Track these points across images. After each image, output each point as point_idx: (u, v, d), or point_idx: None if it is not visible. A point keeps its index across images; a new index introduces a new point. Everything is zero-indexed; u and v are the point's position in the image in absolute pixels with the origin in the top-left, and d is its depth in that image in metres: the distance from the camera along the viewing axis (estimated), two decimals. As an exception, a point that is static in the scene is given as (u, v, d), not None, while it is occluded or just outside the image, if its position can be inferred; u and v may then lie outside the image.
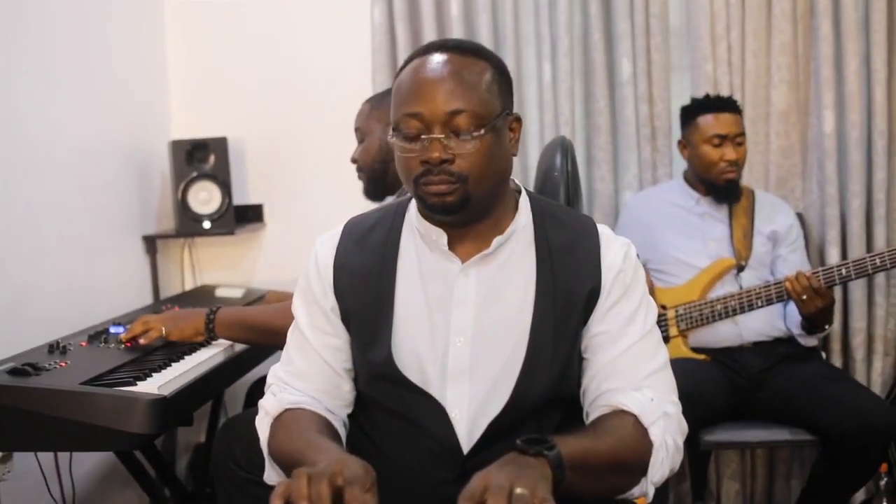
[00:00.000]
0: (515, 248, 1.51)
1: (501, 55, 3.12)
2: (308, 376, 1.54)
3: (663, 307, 2.86)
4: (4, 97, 2.46)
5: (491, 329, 1.46)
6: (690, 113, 2.92)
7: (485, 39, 3.16)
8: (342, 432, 1.52)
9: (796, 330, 2.78)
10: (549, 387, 1.45)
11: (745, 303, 2.74)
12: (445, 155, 1.40)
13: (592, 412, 1.47)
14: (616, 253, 1.50)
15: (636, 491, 1.41)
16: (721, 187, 2.88)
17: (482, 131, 1.40)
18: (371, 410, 1.53)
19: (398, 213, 1.58)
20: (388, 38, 3.24)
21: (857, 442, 2.47)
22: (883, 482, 3.01)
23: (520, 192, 1.55)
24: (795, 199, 3.17)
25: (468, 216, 1.46)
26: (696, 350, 2.82)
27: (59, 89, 2.73)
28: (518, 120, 1.51)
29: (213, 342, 2.34)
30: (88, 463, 2.73)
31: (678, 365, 2.69)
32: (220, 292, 3.14)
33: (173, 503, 2.60)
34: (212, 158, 3.21)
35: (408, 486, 1.32)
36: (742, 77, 3.14)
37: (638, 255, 1.57)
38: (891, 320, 3.11)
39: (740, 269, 2.85)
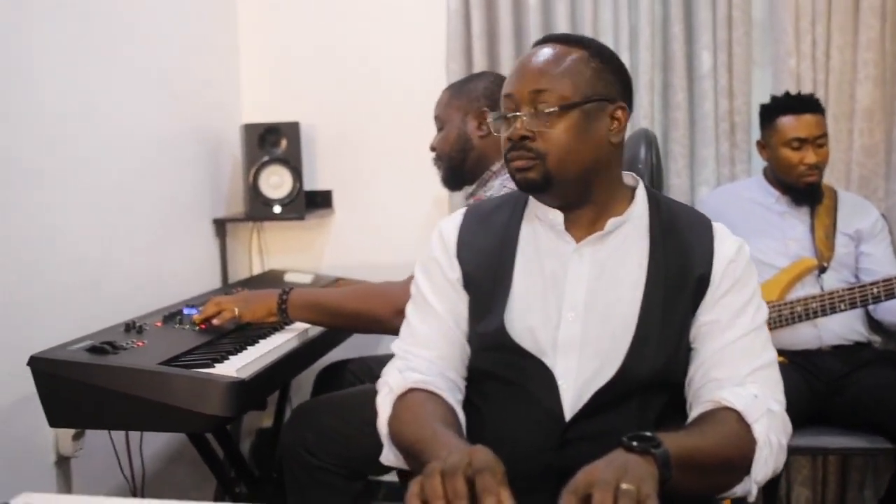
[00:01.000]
0: (630, 233, 1.54)
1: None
2: (432, 341, 1.59)
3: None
4: (80, 82, 2.48)
5: (602, 307, 1.50)
6: (770, 113, 2.84)
7: (562, 27, 3.11)
8: (462, 418, 1.52)
9: None
10: (656, 367, 1.47)
11: (828, 305, 2.66)
12: (525, 132, 1.49)
13: (696, 405, 1.47)
14: (729, 247, 1.53)
15: (739, 489, 1.40)
16: (801, 190, 2.81)
17: (560, 109, 1.48)
18: (480, 382, 1.57)
19: (520, 199, 1.64)
20: (464, 25, 3.20)
21: (942, 453, 2.40)
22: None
23: (637, 185, 1.60)
24: (878, 200, 3.08)
25: (562, 196, 1.53)
26: (773, 351, 2.75)
27: (133, 73, 2.74)
28: (623, 109, 1.53)
29: (286, 327, 2.33)
30: (158, 443, 2.75)
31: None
32: (288, 277, 3.13)
33: (240, 486, 2.60)
34: (284, 143, 3.20)
35: (509, 451, 1.31)
36: (826, 73, 3.05)
37: None
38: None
39: (822, 270, 2.77)
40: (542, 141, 1.49)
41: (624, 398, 1.46)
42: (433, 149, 2.52)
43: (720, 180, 3.13)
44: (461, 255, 1.61)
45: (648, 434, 1.23)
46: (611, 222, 1.53)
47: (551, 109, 1.48)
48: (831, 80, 3.05)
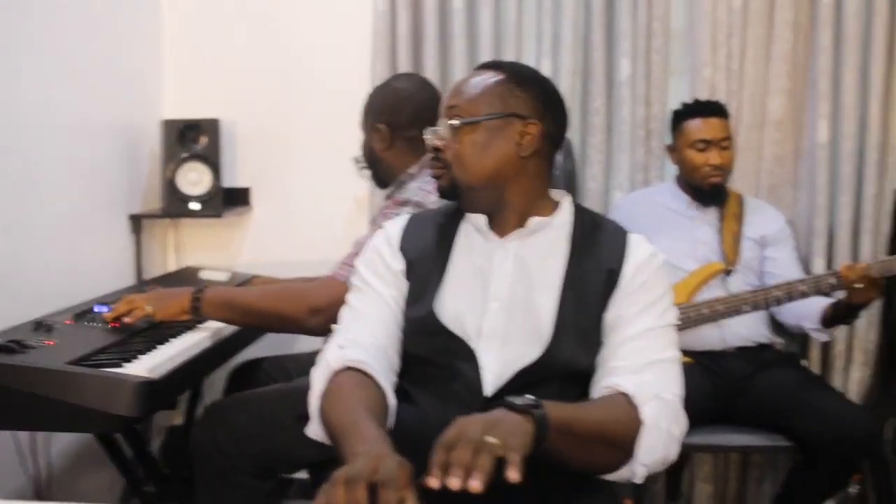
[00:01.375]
0: (553, 237, 1.68)
1: (502, 49, 3.16)
2: (373, 320, 1.68)
3: (650, 310, 2.86)
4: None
5: (524, 299, 1.62)
6: (678, 118, 2.93)
7: (486, 33, 3.15)
8: (392, 402, 1.58)
9: (812, 325, 2.76)
10: (574, 358, 1.59)
11: (732, 307, 2.74)
12: (438, 143, 1.67)
13: (594, 394, 1.57)
14: (643, 252, 1.66)
15: (625, 472, 1.48)
16: (706, 191, 2.90)
17: (463, 123, 1.64)
18: (410, 366, 1.67)
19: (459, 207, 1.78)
20: (390, 26, 3.21)
21: (835, 451, 2.49)
22: (855, 490, 3.06)
23: (564, 197, 1.75)
24: (785, 208, 3.18)
25: (474, 202, 1.68)
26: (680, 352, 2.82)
27: (52, 65, 2.69)
28: (535, 125, 1.65)
29: (199, 325, 2.32)
30: (64, 442, 2.70)
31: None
32: (203, 275, 3.11)
33: (149, 485, 2.57)
34: (203, 140, 3.18)
35: (433, 426, 1.40)
36: (740, 84, 3.14)
37: None
38: (871, 331, 3.13)
39: (728, 273, 2.86)
40: (450, 152, 1.66)
41: (543, 382, 1.57)
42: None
43: (634, 185, 3.20)
44: (404, 248, 1.73)
45: (533, 398, 1.33)
46: (532, 221, 1.66)
47: (456, 123, 1.65)
48: (745, 91, 3.14)
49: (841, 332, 3.10)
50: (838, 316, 2.66)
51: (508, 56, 3.16)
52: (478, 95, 1.66)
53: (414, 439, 1.48)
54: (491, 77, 1.67)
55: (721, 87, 3.12)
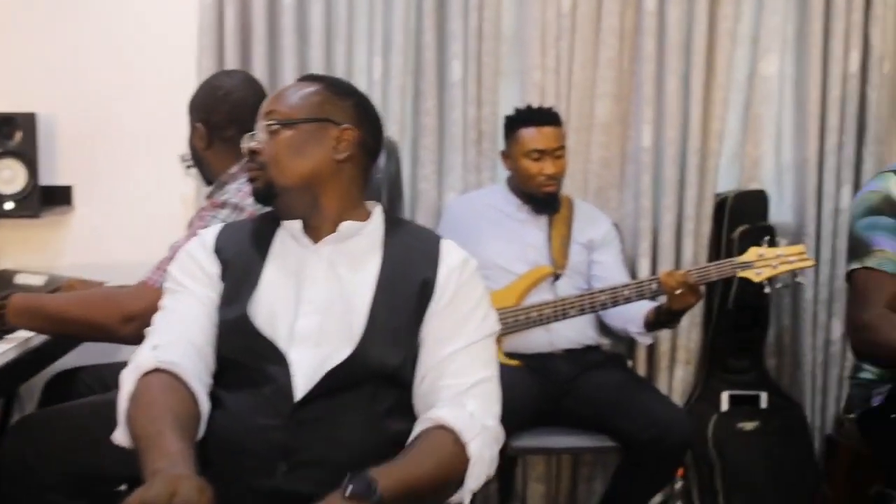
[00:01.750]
0: (365, 244, 1.70)
1: (332, 47, 3.11)
2: (188, 320, 1.65)
3: (480, 311, 2.88)
4: None
5: (336, 303, 1.63)
6: (512, 124, 2.93)
7: (316, 30, 3.09)
8: (205, 406, 1.55)
9: (636, 329, 2.81)
10: (385, 361, 1.60)
11: (559, 311, 2.79)
12: (255, 146, 1.69)
13: (418, 424, 1.57)
14: (455, 258, 1.68)
15: (454, 499, 1.54)
16: (540, 199, 2.92)
17: (278, 125, 1.67)
18: (223, 369, 1.64)
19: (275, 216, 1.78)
20: (217, 21, 3.11)
21: (656, 450, 2.56)
22: (678, 486, 3.17)
23: (375, 206, 1.78)
24: (611, 210, 3.25)
25: (289, 205, 1.69)
26: (509, 356, 2.85)
27: None
28: (350, 131, 1.69)
29: (6, 335, 2.20)
30: None
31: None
32: (19, 279, 2.94)
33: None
34: (18, 135, 3.02)
35: (238, 430, 1.47)
36: (569, 88, 3.19)
37: None
38: (693, 331, 3.24)
39: (556, 277, 2.90)
40: (265, 154, 1.68)
41: (354, 385, 1.58)
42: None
43: (467, 187, 3.21)
44: (219, 251, 1.71)
45: (368, 475, 1.36)
46: (344, 225, 1.68)
47: (274, 125, 1.67)
48: (573, 94, 3.20)
49: (665, 332, 3.18)
50: (660, 320, 2.73)
51: (339, 55, 3.12)
52: (296, 101, 1.69)
53: (223, 445, 1.55)
54: (309, 87, 1.72)
55: (550, 91, 3.16)
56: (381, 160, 2.32)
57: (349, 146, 1.69)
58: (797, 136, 3.27)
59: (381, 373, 1.60)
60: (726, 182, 3.34)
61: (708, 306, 3.25)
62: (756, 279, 2.58)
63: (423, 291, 1.64)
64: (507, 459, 2.88)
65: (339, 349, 1.59)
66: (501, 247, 2.95)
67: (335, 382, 1.57)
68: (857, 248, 2.15)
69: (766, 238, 2.61)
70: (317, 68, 3.09)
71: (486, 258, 2.92)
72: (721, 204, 3.23)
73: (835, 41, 3.15)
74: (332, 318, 1.62)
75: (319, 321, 1.62)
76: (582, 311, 2.77)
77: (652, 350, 3.25)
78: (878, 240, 2.11)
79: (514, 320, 2.83)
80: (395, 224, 1.77)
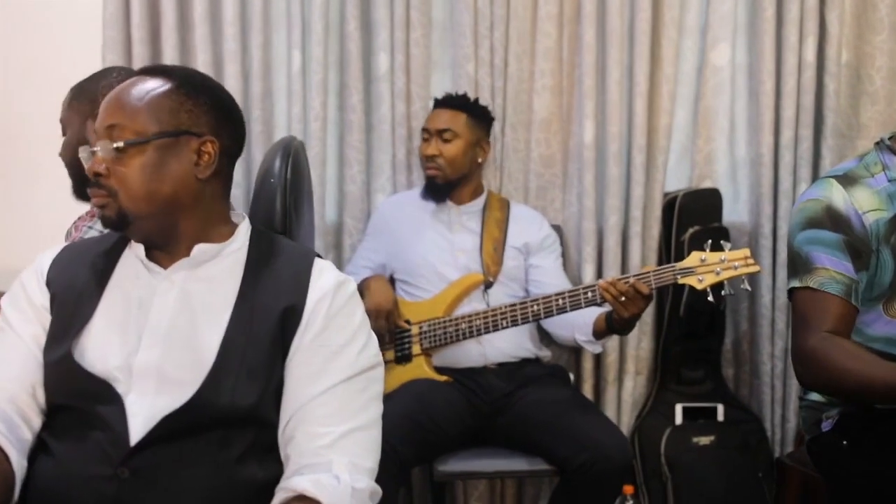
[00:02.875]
0: (225, 266, 1.48)
1: (247, 39, 2.87)
2: (7, 365, 1.45)
3: (408, 322, 2.66)
4: None
5: (185, 335, 1.42)
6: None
7: (230, 20, 2.85)
8: (17, 468, 1.37)
9: (584, 337, 2.61)
10: (236, 402, 1.38)
11: (490, 322, 2.56)
12: (100, 169, 1.42)
13: (277, 493, 1.36)
14: (327, 280, 1.46)
15: None
16: (427, 184, 2.77)
17: (129, 145, 1.40)
18: (52, 415, 1.45)
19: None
20: (123, 12, 2.87)
21: (591, 475, 2.34)
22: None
23: (242, 220, 1.55)
24: (555, 211, 3.04)
25: (144, 232, 1.46)
26: (439, 370, 2.63)
27: None
28: (213, 142, 1.46)
29: None
30: None
31: (417, 386, 2.55)
32: None
33: None
34: None
35: (65, 482, 1.31)
36: (504, 80, 2.97)
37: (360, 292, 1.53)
38: (644, 339, 3.02)
39: (488, 285, 2.67)
40: (115, 178, 1.42)
41: (200, 428, 1.38)
42: (61, 155, 2.21)
43: (397, 188, 2.98)
44: (51, 280, 1.50)
45: None
46: (199, 248, 1.46)
47: (121, 145, 1.40)
48: (509, 87, 2.97)
49: (612, 341, 2.97)
50: (612, 328, 2.52)
51: (255, 47, 2.88)
52: (143, 110, 1.42)
53: (47, 499, 1.37)
54: (157, 87, 1.44)
55: (485, 84, 2.94)
56: (276, 163, 2.09)
57: (211, 160, 1.46)
58: (751, 131, 3.05)
59: (232, 414, 1.38)
60: (676, 180, 3.12)
61: (658, 313, 3.04)
62: (698, 286, 2.36)
63: (288, 320, 1.42)
64: (436, 485, 2.67)
65: (184, 388, 1.38)
66: (430, 252, 2.73)
67: (177, 425, 1.36)
68: (797, 264, 1.92)
69: (709, 241, 2.38)
70: (232, 62, 2.86)
71: (414, 264, 2.73)
72: (670, 204, 3.00)
73: (789, 28, 2.92)
74: (177, 352, 1.41)
75: (161, 356, 1.40)
76: (514, 322, 2.55)
77: (599, 361, 3.03)
78: (818, 256, 1.87)
79: (443, 332, 2.61)
80: (262, 242, 1.53)
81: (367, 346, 1.46)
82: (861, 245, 1.86)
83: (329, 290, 1.44)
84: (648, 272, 2.39)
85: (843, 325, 1.85)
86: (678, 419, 3.00)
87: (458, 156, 2.73)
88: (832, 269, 1.85)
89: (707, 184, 3.10)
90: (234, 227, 1.52)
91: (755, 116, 3.01)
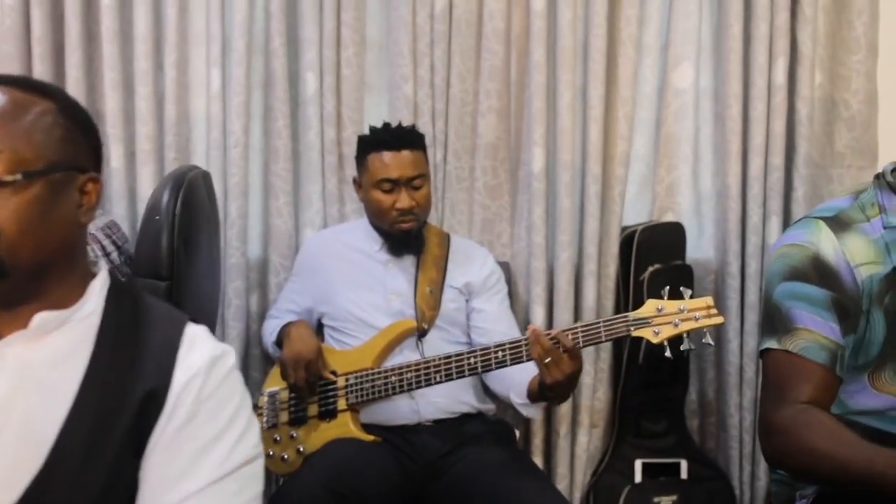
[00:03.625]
0: (72, 337, 1.19)
1: (161, 55, 2.59)
2: None
3: (334, 373, 2.37)
4: None
5: (17, 423, 1.14)
6: (363, 148, 2.43)
7: (141, 36, 2.57)
8: None
9: (518, 399, 2.30)
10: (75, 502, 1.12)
11: (423, 375, 2.27)
12: None
13: None
14: (200, 355, 1.19)
15: None
16: (396, 238, 2.42)
17: (21, 177, 1.11)
18: None
19: None
20: (22, 26, 2.57)
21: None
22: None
23: (97, 272, 1.25)
24: (502, 246, 2.77)
25: (7, 293, 1.14)
26: (367, 428, 2.34)
27: None
28: (95, 181, 1.19)
29: None
30: None
31: (341, 448, 2.24)
32: None
33: None
34: None
35: None
36: (446, 102, 2.70)
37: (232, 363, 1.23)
38: (599, 388, 2.75)
39: (422, 333, 2.39)
40: None
41: None
42: None
43: (327, 221, 2.71)
44: None
45: None
46: (39, 318, 1.15)
47: (10, 178, 1.10)
48: (451, 110, 2.71)
49: (565, 389, 2.69)
50: (543, 394, 2.17)
51: (169, 65, 2.60)
52: (30, 136, 1.13)
53: None
54: (40, 107, 1.16)
55: (424, 107, 2.67)
56: (163, 199, 1.81)
57: (93, 201, 1.19)
58: (717, 160, 2.80)
59: None
60: (635, 214, 2.86)
61: (616, 358, 2.77)
62: (654, 340, 2.08)
63: (147, 407, 1.14)
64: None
65: (7, 491, 1.11)
66: (360, 295, 2.44)
67: None
68: (775, 320, 1.63)
69: (667, 287, 2.10)
70: (143, 81, 2.58)
71: (342, 308, 2.45)
72: (628, 239, 2.74)
73: (757, 47, 2.68)
74: (7, 441, 1.13)
75: None
76: (449, 377, 2.25)
77: (550, 412, 2.75)
78: (801, 315, 1.58)
79: (370, 386, 2.33)
80: (122, 304, 1.23)
81: (246, 436, 1.18)
82: (851, 304, 1.58)
83: (201, 370, 1.17)
84: (597, 323, 2.11)
85: (823, 396, 1.57)
86: (637, 476, 2.74)
87: (430, 199, 2.45)
88: (816, 331, 1.58)
89: (669, 217, 2.84)
90: (88, 283, 1.23)
91: (721, 144, 2.75)
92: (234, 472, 1.16)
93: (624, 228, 2.76)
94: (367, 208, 2.44)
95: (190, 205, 1.83)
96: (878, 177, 1.66)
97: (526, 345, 2.14)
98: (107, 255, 1.99)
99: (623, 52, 2.68)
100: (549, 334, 2.03)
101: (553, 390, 2.07)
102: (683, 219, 2.83)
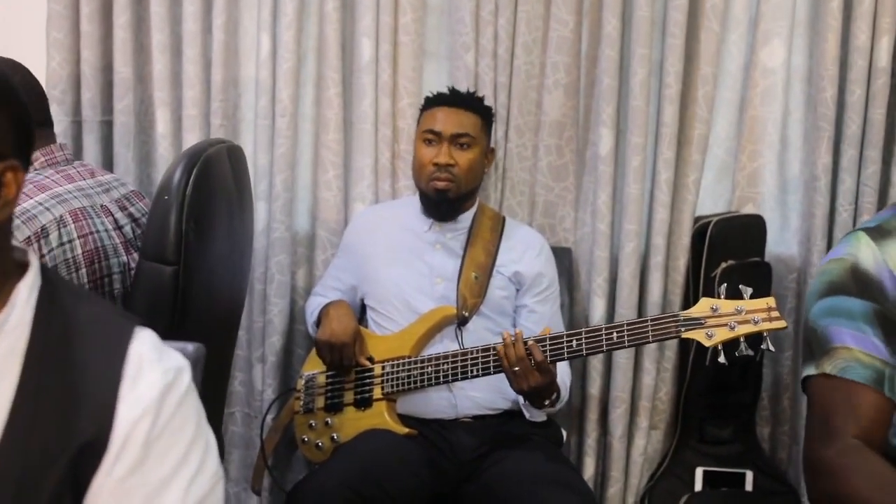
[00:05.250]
0: (4, 352, 0.98)
1: (210, 17, 2.49)
2: None
3: (370, 360, 2.25)
4: None
5: None
6: (423, 108, 2.36)
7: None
8: None
9: (521, 399, 2.18)
10: None
11: (459, 368, 2.13)
12: None
13: None
14: (148, 389, 0.99)
15: None
16: (430, 199, 2.30)
17: None
18: None
19: None
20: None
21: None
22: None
23: (24, 276, 1.02)
24: (565, 232, 2.59)
25: None
26: (404, 419, 2.21)
27: None
28: (15, 170, 0.99)
29: None
30: None
31: (372, 441, 2.11)
32: None
33: None
34: None
35: None
36: (509, 76, 2.51)
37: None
38: (662, 387, 2.55)
39: (462, 321, 2.23)
40: None
41: None
42: None
43: (379, 197, 2.56)
44: None
45: None
46: None
47: None
48: (515, 83, 2.52)
49: (623, 391, 2.51)
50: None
51: (217, 28, 2.48)
52: None
53: None
54: None
55: (487, 77, 2.48)
56: (174, 178, 1.70)
57: (13, 194, 1.01)
58: (806, 148, 2.54)
59: None
60: (711, 203, 2.62)
61: (682, 357, 2.56)
62: (707, 343, 1.89)
63: (84, 457, 0.96)
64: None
65: None
66: (404, 276, 2.31)
67: None
68: (812, 343, 1.45)
69: (724, 285, 1.90)
70: (191, 43, 2.47)
71: (386, 290, 2.32)
72: (701, 231, 2.51)
73: (859, 24, 2.39)
74: None
75: None
76: (486, 371, 2.11)
77: (605, 412, 2.56)
78: (839, 332, 1.40)
79: (406, 376, 2.20)
80: (53, 315, 1.02)
81: (202, 470, 1.01)
82: None
83: (150, 406, 0.98)
84: (643, 322, 1.93)
85: (874, 426, 1.39)
86: (698, 485, 2.55)
87: (475, 166, 2.31)
88: (857, 348, 1.40)
89: (749, 209, 2.60)
90: (14, 285, 1.02)
91: (812, 131, 2.49)
92: None
93: (697, 219, 2.54)
94: (413, 167, 2.35)
95: (205, 184, 1.71)
96: None
97: (568, 340, 1.99)
98: (119, 227, 1.89)
99: (706, 25, 2.43)
100: (526, 342, 1.98)
101: (525, 396, 2.04)
102: (765, 211, 2.58)
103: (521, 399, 2.16)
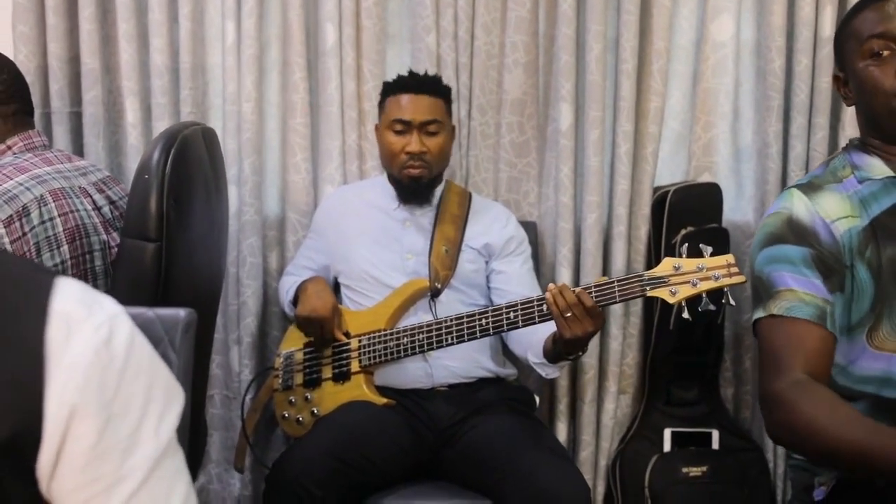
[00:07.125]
0: None
1: (176, 6, 2.52)
2: None
3: (347, 335, 2.31)
4: None
5: None
6: (383, 92, 2.39)
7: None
8: None
9: (535, 358, 2.21)
10: None
11: (434, 338, 2.19)
12: None
13: None
14: (82, 347, 0.85)
15: None
16: (404, 186, 2.35)
17: None
18: None
19: None
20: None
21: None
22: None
23: None
24: (529, 206, 2.66)
25: None
26: (381, 390, 2.27)
27: None
28: None
29: None
30: None
31: (352, 413, 2.18)
32: None
33: None
34: None
35: None
36: (470, 56, 2.58)
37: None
38: (628, 353, 2.64)
39: (435, 293, 2.30)
40: None
41: None
42: None
43: (347, 178, 2.62)
44: None
45: None
46: None
47: None
48: (476, 63, 2.59)
49: (591, 356, 2.59)
50: (558, 350, 2.09)
51: (183, 17, 2.52)
52: None
53: None
54: None
55: (448, 59, 2.56)
56: (153, 157, 1.74)
57: None
58: (757, 117, 2.64)
59: None
60: (669, 173, 2.72)
61: (647, 321, 2.65)
62: (671, 300, 1.96)
63: (17, 447, 0.84)
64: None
65: None
66: (376, 253, 2.37)
67: None
68: (759, 290, 1.56)
69: (685, 245, 1.99)
70: (157, 32, 2.52)
71: (358, 267, 2.38)
72: (661, 200, 2.60)
73: (803, -5, 2.50)
74: None
75: None
76: (461, 339, 2.17)
77: (575, 377, 2.65)
78: (781, 277, 1.51)
79: (383, 348, 2.26)
80: None
81: (166, 415, 0.92)
82: (832, 260, 1.52)
83: (92, 367, 0.85)
84: (612, 282, 2.01)
85: (819, 359, 1.49)
86: (666, 446, 2.64)
87: (445, 149, 2.38)
88: (799, 289, 1.50)
89: (705, 177, 2.70)
90: None
91: (762, 100, 2.59)
92: (164, 452, 0.91)
93: (656, 189, 2.63)
94: (381, 153, 2.40)
95: (183, 163, 1.76)
96: (847, 145, 1.68)
97: (539, 305, 2.05)
98: (97, 208, 1.94)
99: (658, 1, 2.52)
100: (574, 291, 1.95)
101: (568, 345, 2.00)
102: (721, 179, 2.68)
103: (534, 358, 2.19)
